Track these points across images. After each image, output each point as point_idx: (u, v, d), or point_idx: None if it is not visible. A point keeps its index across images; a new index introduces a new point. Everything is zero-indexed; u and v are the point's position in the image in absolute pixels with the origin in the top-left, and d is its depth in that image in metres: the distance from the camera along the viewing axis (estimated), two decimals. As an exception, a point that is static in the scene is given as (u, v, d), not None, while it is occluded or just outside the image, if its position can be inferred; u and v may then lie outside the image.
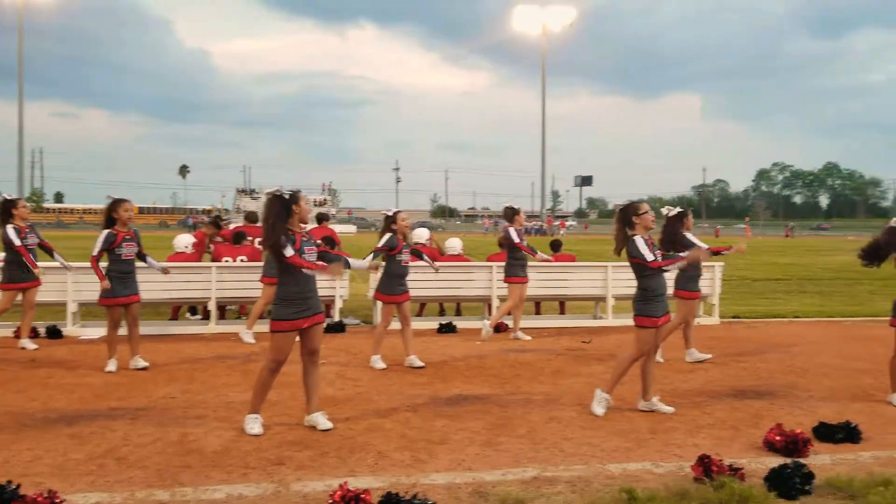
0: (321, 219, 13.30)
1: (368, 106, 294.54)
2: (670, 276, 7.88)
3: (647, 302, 6.37)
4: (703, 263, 8.88)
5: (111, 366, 7.86)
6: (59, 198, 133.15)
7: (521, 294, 10.22)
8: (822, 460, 5.24)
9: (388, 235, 8.19)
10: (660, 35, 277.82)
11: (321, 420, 5.84)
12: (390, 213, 8.33)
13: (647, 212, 6.40)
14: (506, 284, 10.29)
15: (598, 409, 6.34)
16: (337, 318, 10.99)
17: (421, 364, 8.27)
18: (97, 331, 9.98)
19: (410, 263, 8.47)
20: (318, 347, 5.95)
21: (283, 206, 5.70)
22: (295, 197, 5.72)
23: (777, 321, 12.48)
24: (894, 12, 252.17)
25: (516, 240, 9.97)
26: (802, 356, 9.17)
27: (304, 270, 5.66)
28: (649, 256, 6.26)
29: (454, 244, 12.60)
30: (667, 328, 6.92)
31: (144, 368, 7.92)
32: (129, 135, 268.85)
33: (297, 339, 5.84)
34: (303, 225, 5.90)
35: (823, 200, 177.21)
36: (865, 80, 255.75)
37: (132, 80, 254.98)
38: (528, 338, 10.21)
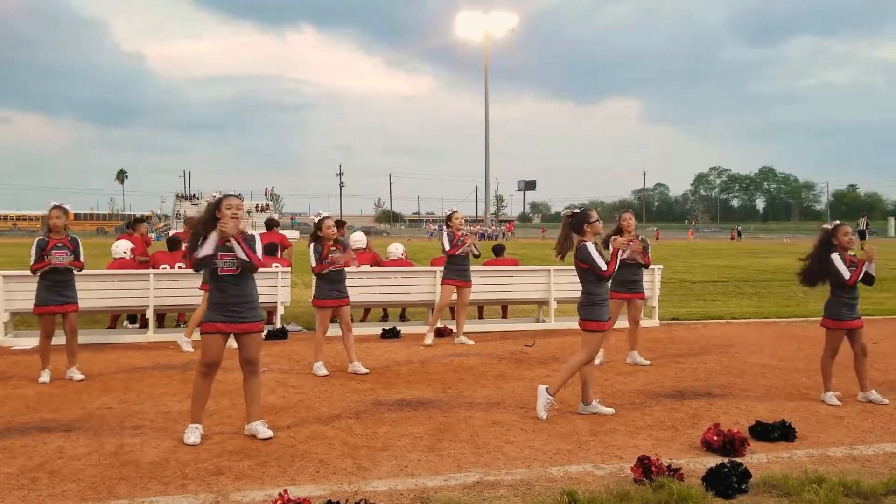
0: (270, 224, 13.18)
1: (310, 110, 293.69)
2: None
3: (593, 307, 6.43)
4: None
5: (44, 376, 7.66)
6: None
7: (447, 296, 10.27)
8: (759, 459, 5.34)
9: (312, 245, 8.20)
10: (600, 41, 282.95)
11: (261, 429, 5.77)
12: (317, 220, 8.29)
13: (597, 220, 6.52)
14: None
15: (542, 412, 6.37)
16: (279, 324, 10.88)
17: (365, 370, 8.22)
18: (30, 340, 9.72)
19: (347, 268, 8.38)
20: (254, 357, 5.84)
21: (209, 212, 5.74)
22: (218, 202, 5.72)
23: (715, 322, 12.71)
24: (825, 21, 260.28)
25: (446, 246, 10.07)
26: (739, 357, 9.35)
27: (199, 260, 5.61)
28: (602, 265, 6.34)
29: (396, 249, 12.58)
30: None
31: (80, 380, 7.72)
32: (65, 139, 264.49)
33: (236, 347, 5.79)
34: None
35: (760, 204, 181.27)
36: (798, 86, 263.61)
37: (67, 83, 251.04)
38: (472, 342, 10.22)
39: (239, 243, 5.62)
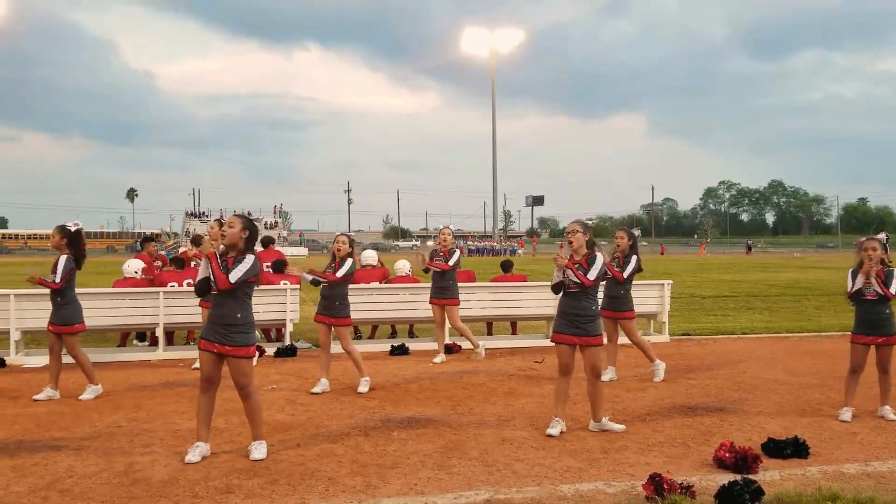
0: (267, 242, 13.21)
1: (315, 127, 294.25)
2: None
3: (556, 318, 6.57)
4: (637, 283, 9.02)
5: (40, 393, 7.72)
6: (2, 223, 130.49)
7: (435, 316, 10.33)
8: (772, 476, 5.30)
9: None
10: (604, 56, 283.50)
11: (252, 450, 5.74)
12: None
13: (569, 232, 6.58)
14: None
15: (552, 430, 6.35)
16: (288, 341, 10.88)
17: (317, 391, 8.11)
18: (41, 359, 9.74)
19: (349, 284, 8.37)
20: (238, 382, 5.75)
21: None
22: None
23: (726, 338, 12.65)
24: (830, 33, 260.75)
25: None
26: (750, 372, 9.29)
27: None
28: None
29: (403, 266, 12.59)
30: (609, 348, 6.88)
31: (43, 398, 7.71)
32: (73, 158, 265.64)
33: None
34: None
35: (769, 218, 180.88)
36: (805, 99, 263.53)
37: (75, 102, 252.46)
38: (442, 359, 10.16)
39: (210, 261, 5.68)
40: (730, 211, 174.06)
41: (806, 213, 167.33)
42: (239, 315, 5.67)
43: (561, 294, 6.53)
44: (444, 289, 10.16)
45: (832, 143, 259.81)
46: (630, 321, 8.83)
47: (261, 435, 5.85)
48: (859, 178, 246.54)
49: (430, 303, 10.30)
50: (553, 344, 6.64)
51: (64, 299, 7.70)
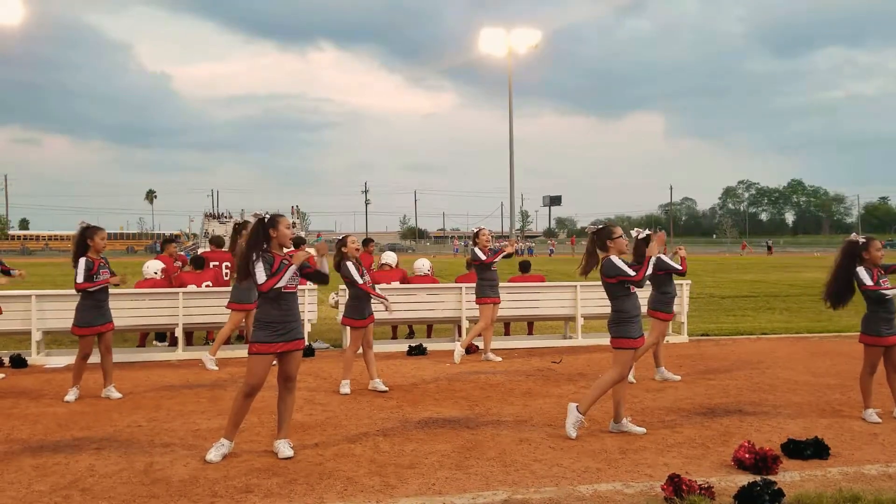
0: (297, 242, 13.27)
1: (332, 128, 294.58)
2: (643, 296, 7.92)
3: (623, 324, 6.33)
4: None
5: (70, 395, 7.74)
6: (24, 224, 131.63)
7: (492, 315, 10.19)
8: (792, 477, 5.27)
9: (345, 265, 8.15)
10: (622, 55, 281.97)
11: (282, 448, 5.76)
12: (340, 238, 8.32)
13: (620, 236, 6.43)
14: (477, 306, 10.26)
15: (572, 431, 6.31)
16: (306, 341, 10.91)
17: (384, 388, 8.20)
18: (62, 359, 9.83)
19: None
20: (295, 373, 5.86)
21: (260, 230, 5.73)
22: (272, 221, 5.74)
23: (745, 338, 12.58)
24: (852, 31, 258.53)
25: (482, 257, 9.98)
26: (770, 373, 9.24)
27: (281, 284, 5.60)
28: (630, 272, 6.28)
29: (423, 265, 12.59)
30: (641, 349, 6.85)
31: (118, 398, 7.78)
32: (92, 160, 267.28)
33: (276, 363, 5.80)
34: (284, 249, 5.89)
35: (789, 217, 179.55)
36: (826, 98, 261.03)
37: (93, 105, 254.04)
38: (499, 359, 10.18)
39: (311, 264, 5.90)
40: (749, 210, 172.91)
41: (826, 213, 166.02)
42: None
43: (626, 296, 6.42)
44: (498, 286, 10.26)
45: (853, 141, 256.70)
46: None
47: (289, 432, 5.94)
48: (881, 177, 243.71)
49: (490, 301, 10.10)
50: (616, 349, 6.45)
51: None
